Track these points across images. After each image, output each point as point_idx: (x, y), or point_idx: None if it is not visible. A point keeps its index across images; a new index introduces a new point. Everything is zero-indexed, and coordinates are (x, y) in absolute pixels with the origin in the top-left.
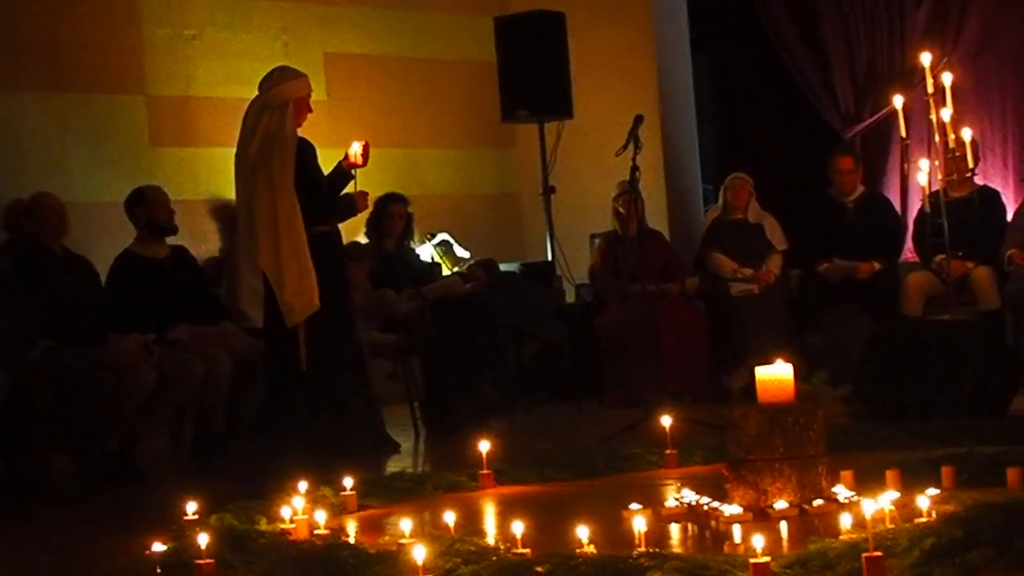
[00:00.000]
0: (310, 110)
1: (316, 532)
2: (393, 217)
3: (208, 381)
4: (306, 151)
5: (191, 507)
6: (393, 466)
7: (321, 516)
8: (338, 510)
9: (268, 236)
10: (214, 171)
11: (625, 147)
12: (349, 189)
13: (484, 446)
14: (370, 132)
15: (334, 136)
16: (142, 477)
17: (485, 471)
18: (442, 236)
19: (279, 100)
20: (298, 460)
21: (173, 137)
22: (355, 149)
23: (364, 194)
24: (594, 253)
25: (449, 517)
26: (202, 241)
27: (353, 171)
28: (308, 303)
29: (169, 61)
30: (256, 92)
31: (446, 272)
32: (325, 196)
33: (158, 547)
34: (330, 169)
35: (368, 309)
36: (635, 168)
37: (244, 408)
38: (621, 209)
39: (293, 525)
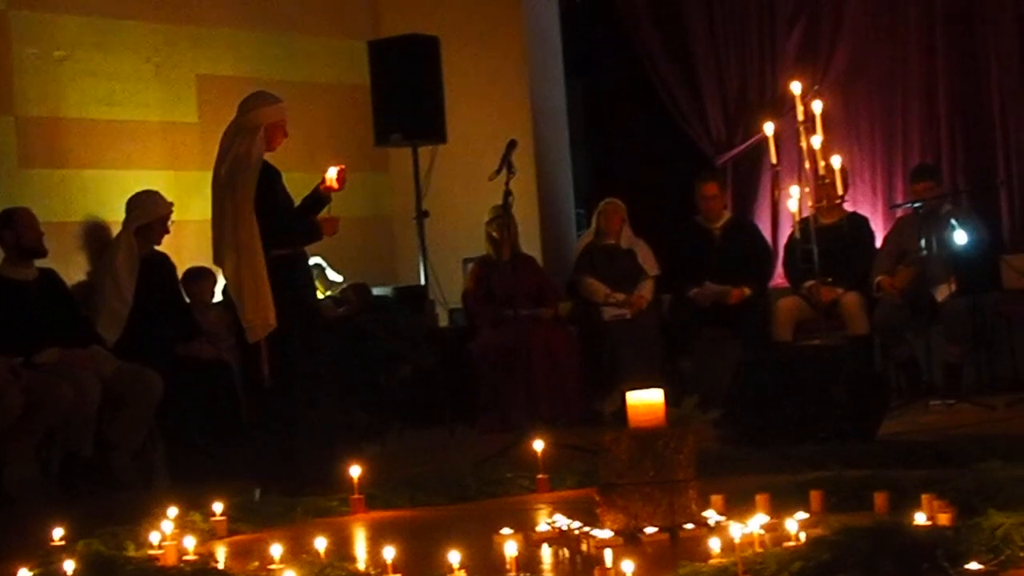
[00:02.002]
0: (285, 135)
1: (185, 558)
2: None
3: (76, 405)
4: (271, 175)
5: (58, 532)
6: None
7: (190, 542)
8: (208, 535)
9: (231, 257)
10: (84, 193)
11: (498, 171)
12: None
13: (355, 471)
14: None
15: (206, 158)
16: (9, 502)
17: (356, 496)
18: (315, 260)
19: (252, 124)
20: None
21: (43, 158)
22: (331, 174)
23: (334, 220)
24: (467, 277)
25: (320, 542)
26: (72, 264)
27: (329, 195)
28: (265, 322)
29: (39, 82)
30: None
31: (319, 296)
32: (286, 220)
33: (24, 574)
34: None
35: (219, 327)
36: (508, 192)
37: (112, 431)
38: (494, 233)
39: (161, 551)
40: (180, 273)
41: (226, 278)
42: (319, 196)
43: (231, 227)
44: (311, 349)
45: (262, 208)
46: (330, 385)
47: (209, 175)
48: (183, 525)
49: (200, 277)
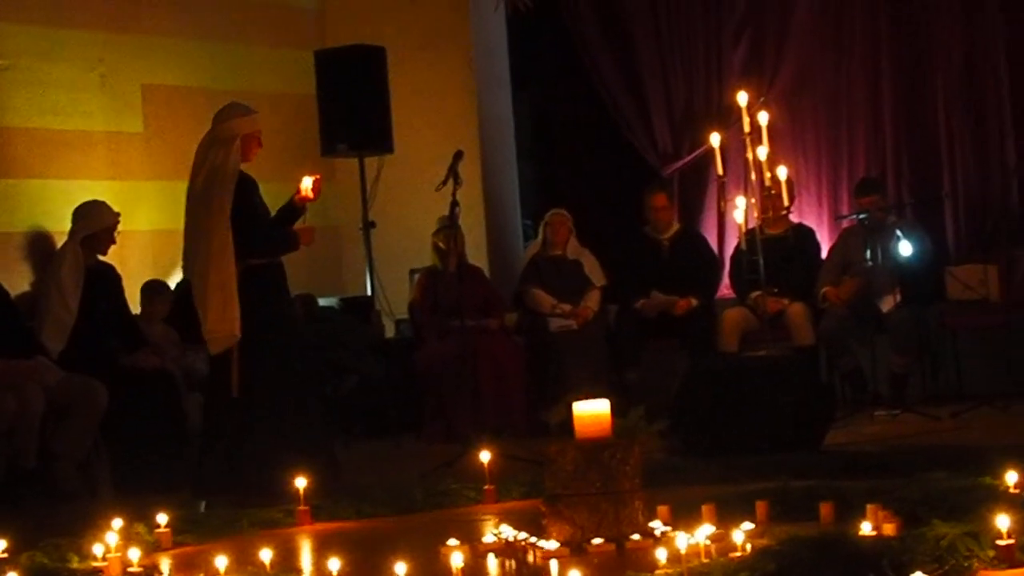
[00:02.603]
0: (260, 146)
1: (129, 570)
2: None
3: (20, 415)
4: (247, 186)
5: (0, 544)
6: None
7: (135, 554)
8: (152, 547)
9: (200, 267)
10: (30, 202)
11: (445, 182)
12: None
13: (301, 482)
14: (188, 165)
15: (151, 169)
16: None
17: (302, 507)
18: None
19: (227, 135)
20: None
21: None
22: (306, 184)
23: (310, 229)
24: (413, 288)
25: (265, 554)
26: (16, 274)
27: (304, 205)
28: (229, 333)
29: None
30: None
31: None
32: (263, 230)
33: None
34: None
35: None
36: (455, 203)
37: (56, 442)
38: (441, 244)
39: (106, 563)
40: (126, 283)
41: (193, 288)
42: (294, 206)
43: (204, 237)
44: (285, 359)
45: (239, 218)
46: (299, 396)
47: (155, 185)
48: (127, 537)
49: (159, 291)
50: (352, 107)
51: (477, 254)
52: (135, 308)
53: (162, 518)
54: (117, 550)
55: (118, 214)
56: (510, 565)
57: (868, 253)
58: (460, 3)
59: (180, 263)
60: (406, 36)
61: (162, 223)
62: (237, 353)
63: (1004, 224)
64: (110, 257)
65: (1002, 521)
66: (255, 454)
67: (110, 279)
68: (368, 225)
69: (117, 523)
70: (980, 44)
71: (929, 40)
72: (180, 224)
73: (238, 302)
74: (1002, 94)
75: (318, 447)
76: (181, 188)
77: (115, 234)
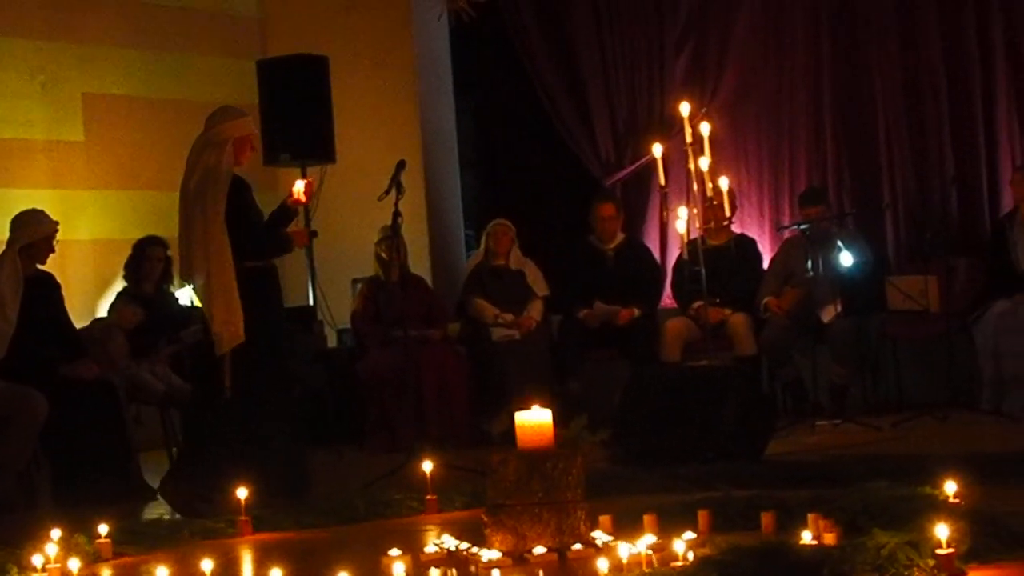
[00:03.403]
0: (253, 149)
1: None
2: (152, 260)
3: None
4: (241, 188)
5: None
6: (150, 513)
7: (74, 564)
8: (92, 558)
9: (202, 270)
10: None
11: (387, 192)
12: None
13: (242, 492)
14: (129, 174)
15: (92, 178)
16: None
17: (243, 517)
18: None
19: (220, 138)
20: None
21: None
22: (299, 187)
23: (304, 231)
24: (356, 298)
25: (206, 565)
26: None
27: (296, 209)
28: (234, 334)
29: None
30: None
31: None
32: (258, 232)
33: None
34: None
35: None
36: (397, 213)
37: None
38: (383, 254)
39: (45, 574)
40: (66, 293)
41: (196, 292)
42: (287, 209)
43: (201, 240)
44: (276, 362)
45: (233, 221)
46: (286, 401)
47: (96, 194)
48: (67, 547)
49: (130, 302)
50: (294, 116)
51: (420, 264)
52: (77, 317)
53: (102, 528)
54: (56, 561)
55: (56, 223)
56: (452, 575)
57: (809, 263)
58: (403, 13)
59: (122, 272)
60: (349, 46)
61: (103, 233)
62: (230, 355)
63: (944, 234)
64: (49, 266)
65: (942, 530)
66: (240, 458)
67: (49, 288)
68: (310, 235)
69: (56, 534)
70: (920, 55)
71: (869, 51)
72: (120, 234)
73: (240, 303)
74: (941, 104)
75: (295, 453)
76: (122, 197)
77: (54, 243)
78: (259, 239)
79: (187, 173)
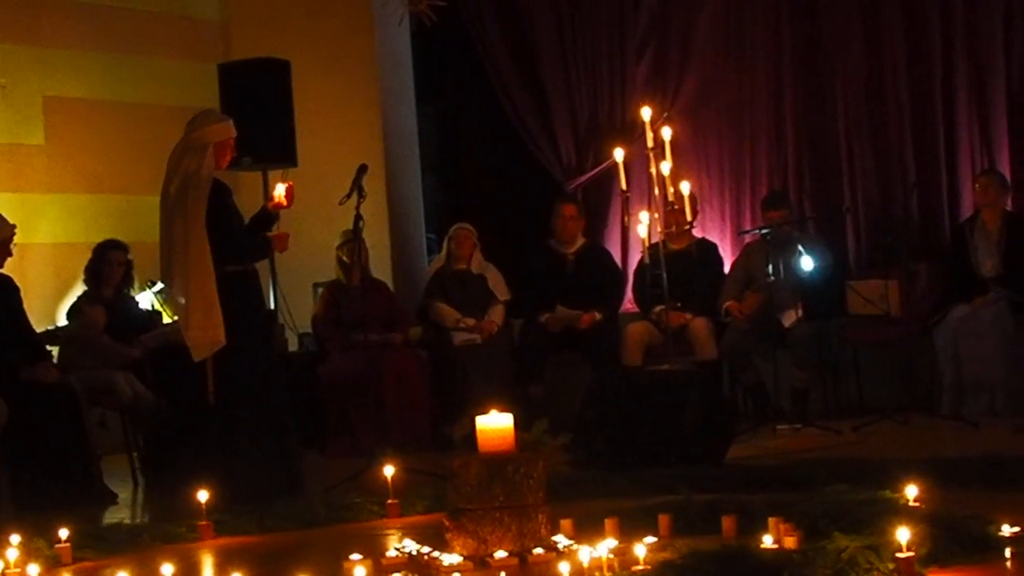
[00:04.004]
0: (233, 152)
1: None
2: (112, 264)
3: None
4: (221, 192)
5: None
6: (110, 517)
7: (34, 570)
8: (52, 563)
9: (180, 275)
10: None
11: (349, 196)
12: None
13: (203, 496)
14: (90, 178)
15: (52, 182)
16: None
17: (204, 522)
18: (162, 284)
19: (200, 143)
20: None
21: None
22: (279, 191)
23: (284, 235)
24: (317, 302)
25: (167, 569)
26: None
27: (278, 213)
28: (213, 339)
29: None
30: None
31: (166, 320)
32: (238, 237)
33: None
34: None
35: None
36: (359, 217)
37: None
38: (345, 258)
39: None
40: (25, 296)
41: (174, 296)
42: (267, 213)
43: (181, 245)
44: (260, 366)
45: (214, 225)
46: (272, 404)
47: (56, 198)
48: (27, 552)
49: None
50: (256, 120)
51: (381, 268)
52: (36, 321)
53: (63, 533)
54: (16, 566)
55: (14, 226)
56: None
57: (770, 268)
58: (364, 17)
59: (82, 276)
60: (310, 49)
61: (63, 236)
62: (212, 360)
63: (904, 239)
64: (9, 269)
65: (902, 534)
66: (228, 461)
67: (8, 291)
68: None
69: (16, 538)
70: (882, 57)
71: (831, 55)
72: (80, 238)
73: (220, 309)
74: (902, 109)
75: (288, 456)
76: (83, 201)
77: (11, 246)
78: (239, 243)
79: (167, 178)
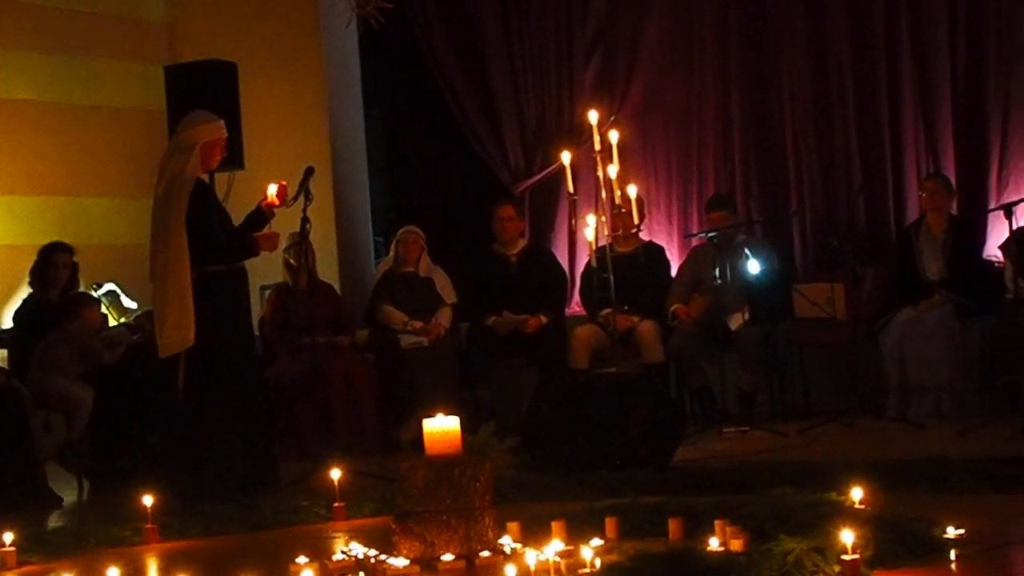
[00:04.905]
0: (223, 153)
1: None
2: (57, 267)
3: None
4: (205, 192)
5: None
6: (55, 521)
7: None
8: None
9: (159, 273)
10: None
11: (295, 198)
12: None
13: (148, 500)
14: (36, 180)
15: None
16: None
17: (149, 525)
18: (109, 286)
19: (189, 143)
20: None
21: None
22: (272, 190)
23: (274, 235)
24: (264, 305)
25: (112, 573)
26: None
27: (272, 212)
28: (183, 339)
29: None
30: None
31: (113, 323)
32: (218, 236)
33: None
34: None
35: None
36: (305, 220)
37: None
38: (291, 260)
39: None
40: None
41: (153, 293)
42: (260, 213)
43: (162, 244)
44: (235, 365)
45: (195, 224)
46: (246, 401)
47: (2, 200)
48: None
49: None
50: None
51: (328, 271)
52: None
53: (7, 537)
54: None
55: None
56: None
57: (717, 271)
58: (311, 19)
59: (27, 278)
60: (257, 52)
61: (8, 238)
62: (184, 357)
63: (850, 242)
64: None
65: (847, 536)
66: (198, 457)
67: None
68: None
69: None
70: (828, 62)
71: (778, 61)
72: (25, 240)
73: (193, 308)
74: (848, 114)
75: (262, 454)
76: (29, 203)
77: None
78: (220, 243)
79: (157, 179)
